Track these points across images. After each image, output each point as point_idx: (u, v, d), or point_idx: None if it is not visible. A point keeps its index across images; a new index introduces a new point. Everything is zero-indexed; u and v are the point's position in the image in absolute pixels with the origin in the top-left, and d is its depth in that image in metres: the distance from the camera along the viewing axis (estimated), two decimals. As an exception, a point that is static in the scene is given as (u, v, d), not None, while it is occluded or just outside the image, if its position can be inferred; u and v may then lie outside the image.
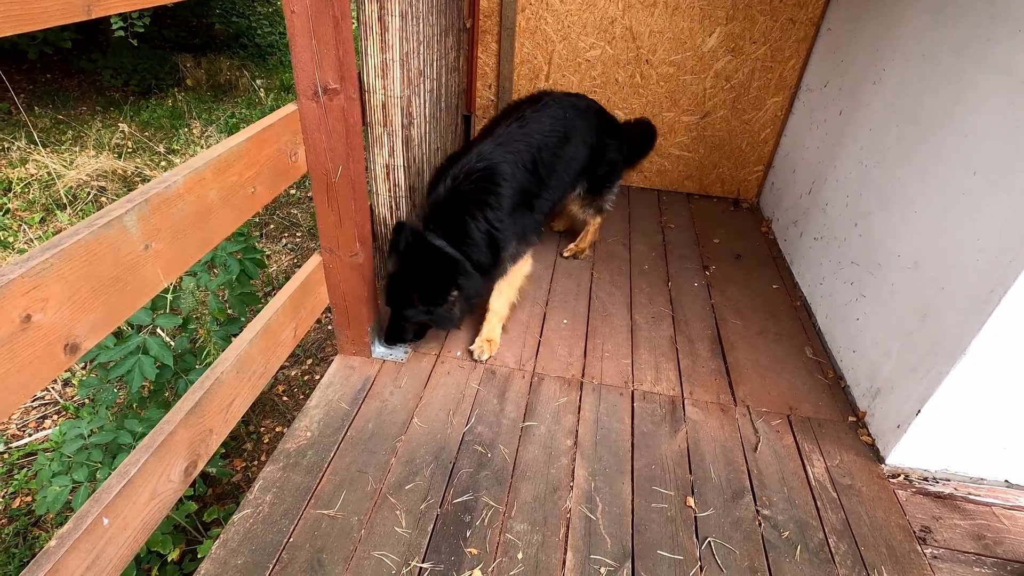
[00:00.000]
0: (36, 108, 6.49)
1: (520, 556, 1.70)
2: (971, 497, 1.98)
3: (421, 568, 1.65)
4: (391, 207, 2.47)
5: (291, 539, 1.69)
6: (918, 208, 2.10)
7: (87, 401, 2.54)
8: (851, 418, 2.25)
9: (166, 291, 2.88)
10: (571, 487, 1.91)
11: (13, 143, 5.34)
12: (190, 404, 1.47)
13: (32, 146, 5.30)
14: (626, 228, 3.48)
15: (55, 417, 2.83)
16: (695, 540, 1.78)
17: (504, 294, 2.47)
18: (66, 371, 2.94)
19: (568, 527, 1.79)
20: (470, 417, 2.13)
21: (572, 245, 3.13)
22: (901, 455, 2.02)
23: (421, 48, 2.74)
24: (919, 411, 1.90)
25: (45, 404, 2.89)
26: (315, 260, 2.06)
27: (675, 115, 3.61)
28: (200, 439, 1.54)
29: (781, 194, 3.46)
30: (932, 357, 1.88)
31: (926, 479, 2.03)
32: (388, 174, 2.41)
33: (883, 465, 2.06)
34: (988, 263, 1.71)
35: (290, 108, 1.73)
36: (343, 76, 1.72)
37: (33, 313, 1.01)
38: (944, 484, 2.02)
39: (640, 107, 3.60)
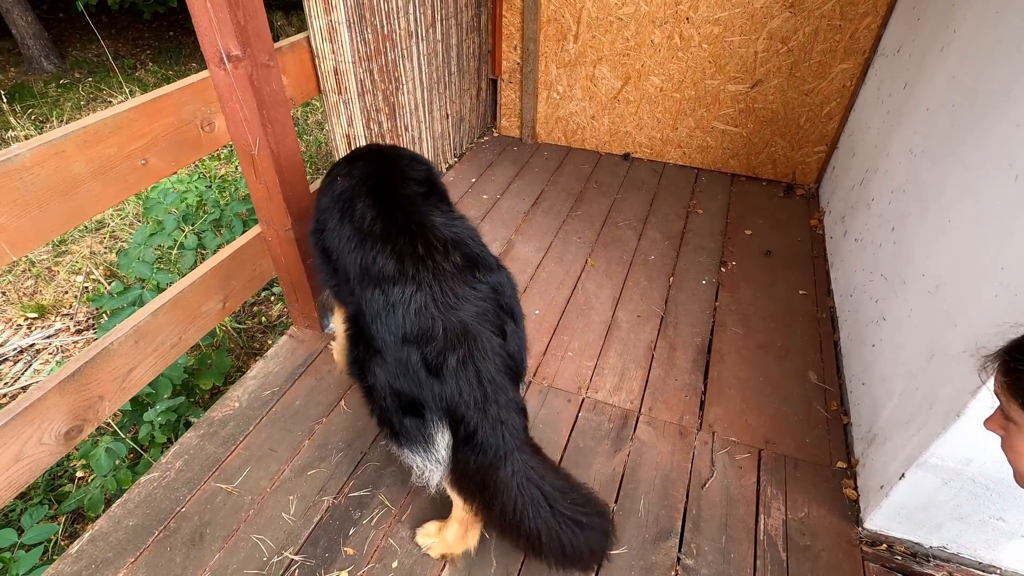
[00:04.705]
0: (152, 64, 7.16)
1: (395, 565, 1.61)
2: (969, 588, 1.57)
3: (292, 560, 1.61)
4: (355, 179, 2.38)
5: (184, 508, 1.73)
6: (953, 216, 1.63)
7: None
8: (840, 464, 1.87)
9: (171, 247, 3.06)
10: (475, 498, 1.77)
11: (121, 95, 5.93)
12: (68, 372, 1.50)
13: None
14: (645, 210, 3.12)
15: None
16: (591, 581, 1.58)
17: None
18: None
19: (456, 542, 1.66)
20: (398, 407, 2.03)
21: (432, 530, 1.64)
22: (884, 521, 1.64)
23: (410, 6, 2.56)
24: (903, 475, 1.51)
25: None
26: (253, 231, 2.03)
27: (720, 83, 3.12)
28: (87, 405, 1.58)
29: (839, 181, 2.91)
30: (927, 411, 1.47)
31: (913, 555, 1.64)
32: (349, 144, 2.30)
33: (860, 528, 1.69)
34: (1006, 300, 1.27)
35: (202, 75, 1.67)
36: (247, 42, 1.61)
37: None
38: (937, 566, 1.61)
39: (679, 72, 3.16)
